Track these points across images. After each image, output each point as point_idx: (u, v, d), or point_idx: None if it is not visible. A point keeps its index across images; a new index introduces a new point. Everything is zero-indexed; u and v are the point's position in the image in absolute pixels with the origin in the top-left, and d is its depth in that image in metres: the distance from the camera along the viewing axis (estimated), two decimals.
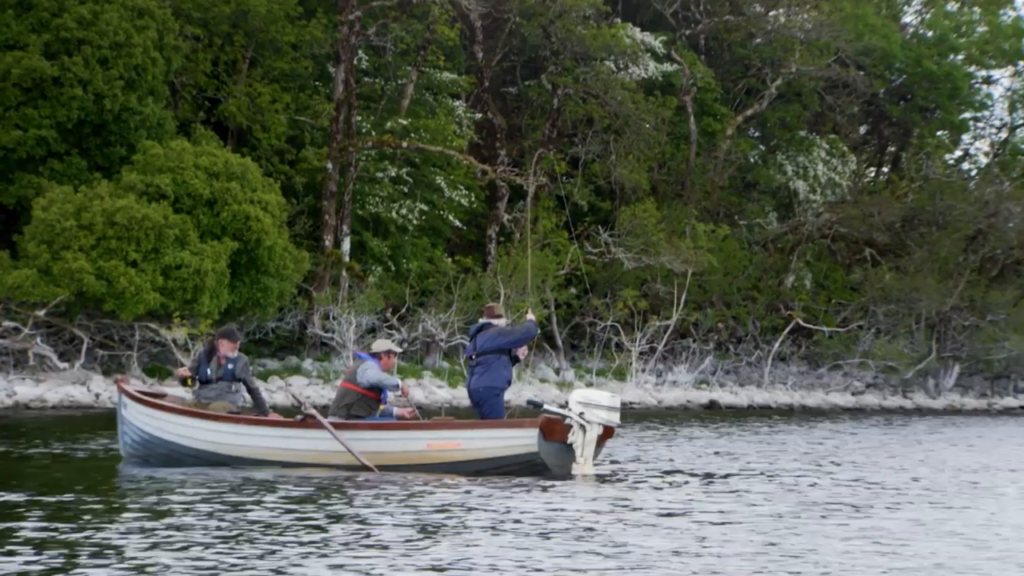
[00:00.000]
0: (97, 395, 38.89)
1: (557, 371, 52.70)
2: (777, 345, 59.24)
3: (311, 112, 50.05)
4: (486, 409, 19.84)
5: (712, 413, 49.76)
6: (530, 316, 20.85)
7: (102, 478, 18.16)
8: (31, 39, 40.55)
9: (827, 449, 28.21)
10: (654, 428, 34.52)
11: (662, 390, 53.12)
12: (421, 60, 53.51)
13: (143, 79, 42.04)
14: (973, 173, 78.66)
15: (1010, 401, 65.36)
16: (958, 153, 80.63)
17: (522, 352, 20.54)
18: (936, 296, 62.19)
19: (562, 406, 19.23)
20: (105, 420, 31.65)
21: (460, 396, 45.33)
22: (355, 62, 51.75)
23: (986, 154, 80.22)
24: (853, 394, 59.86)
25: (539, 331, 21.01)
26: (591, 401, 18.90)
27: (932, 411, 58.84)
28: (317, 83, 51.88)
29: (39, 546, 11.62)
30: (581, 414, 18.69)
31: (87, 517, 13.60)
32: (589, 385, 50.09)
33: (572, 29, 55.87)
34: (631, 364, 52.83)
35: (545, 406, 19.43)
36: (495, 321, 20.33)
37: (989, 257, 68.30)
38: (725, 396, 54.81)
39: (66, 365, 39.64)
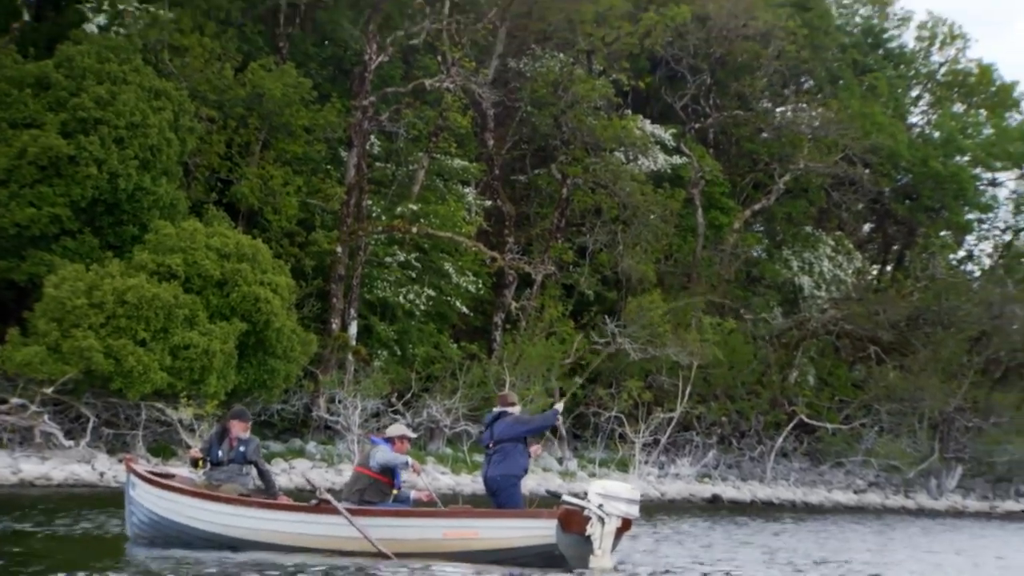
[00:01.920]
0: (102, 474, 38.65)
1: (560, 460, 52.54)
2: (780, 440, 59.17)
3: (322, 195, 50.17)
4: (503, 498, 19.70)
5: (715, 507, 49.59)
6: (557, 405, 20.78)
7: (109, 558, 18.02)
8: (48, 118, 40.71)
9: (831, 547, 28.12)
10: (662, 522, 34.37)
11: (665, 482, 52.96)
12: (433, 146, 53.71)
13: (157, 159, 42.13)
14: (977, 274, 78.82)
15: (1012, 505, 65.13)
16: (962, 253, 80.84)
17: (535, 449, 20.45)
18: (940, 396, 62.23)
19: (581, 497, 19.04)
20: (109, 499, 31.58)
21: (463, 483, 45.22)
22: (367, 147, 51.98)
23: (990, 255, 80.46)
24: (855, 492, 59.68)
25: (559, 420, 20.93)
26: (610, 493, 18.72)
27: (934, 512, 58.60)
28: (329, 167, 52.06)
29: None
30: (600, 506, 18.54)
31: None
32: (592, 476, 49.95)
33: (583, 119, 56.19)
34: (634, 456, 52.69)
35: (564, 497, 19.19)
36: (510, 409, 20.26)
37: (993, 359, 68.36)
38: (728, 490, 54.65)
39: (72, 443, 39.42)
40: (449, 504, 20.61)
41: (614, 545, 18.86)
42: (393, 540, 18.87)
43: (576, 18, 56.81)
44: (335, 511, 19.03)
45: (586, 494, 18.95)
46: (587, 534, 18.56)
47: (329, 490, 20.59)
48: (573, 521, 18.63)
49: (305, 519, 19.53)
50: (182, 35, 47.43)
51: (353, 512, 19.03)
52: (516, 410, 20.37)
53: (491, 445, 20.06)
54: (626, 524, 18.89)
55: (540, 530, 18.75)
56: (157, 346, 39.05)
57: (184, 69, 46.26)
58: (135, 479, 20.49)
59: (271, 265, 43.15)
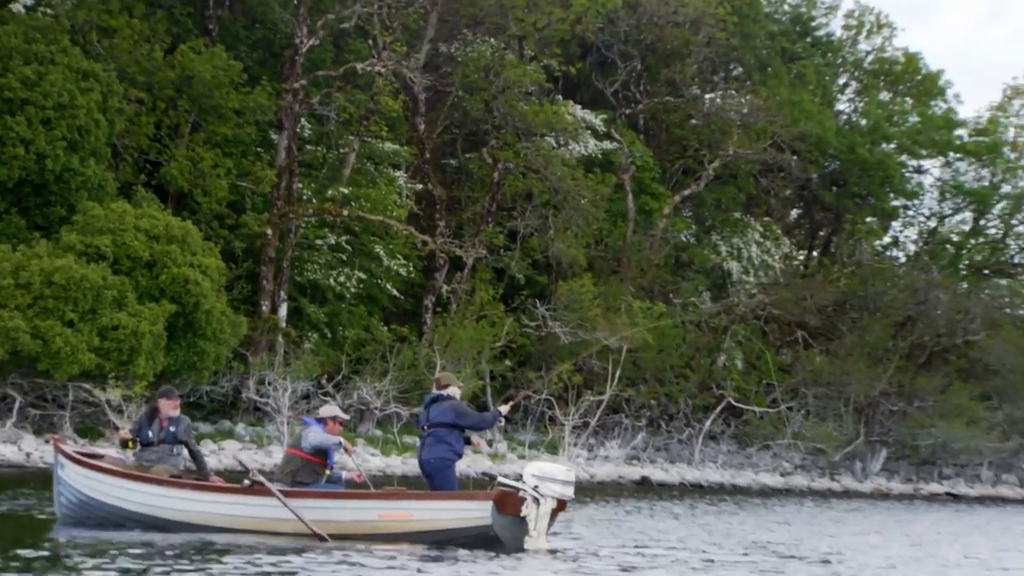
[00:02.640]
0: (28, 454, 38.31)
1: (490, 443, 52.44)
2: (708, 424, 59.35)
3: (252, 178, 49.84)
4: (438, 480, 19.55)
5: (645, 489, 49.67)
6: (502, 408, 20.56)
7: (36, 539, 17.73)
8: None
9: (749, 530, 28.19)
10: (595, 503, 34.39)
11: (594, 465, 52.99)
12: (364, 130, 53.47)
13: (86, 140, 41.80)
14: (902, 260, 79.33)
15: (935, 487, 65.56)
16: (887, 239, 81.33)
17: (476, 439, 20.35)
18: (865, 380, 62.60)
19: (516, 479, 18.97)
20: (36, 479, 31.23)
21: (393, 464, 45.10)
22: (298, 130, 51.70)
23: (915, 242, 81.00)
24: (782, 475, 59.92)
25: (501, 423, 20.67)
26: (546, 475, 18.63)
27: (859, 494, 58.93)
28: (259, 149, 51.74)
29: None
30: (535, 487, 18.44)
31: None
32: (522, 458, 49.91)
33: (514, 104, 56.07)
34: (564, 438, 52.66)
35: (499, 478, 19.14)
36: (447, 392, 20.10)
37: (918, 344, 68.80)
38: (657, 473, 54.74)
39: None
40: (383, 486, 20.44)
41: (549, 526, 18.77)
42: (327, 522, 18.69)
43: (507, 3, 56.69)
44: (268, 493, 18.81)
45: (521, 476, 18.85)
46: (522, 515, 18.48)
47: (260, 471, 20.30)
48: (508, 503, 18.56)
49: (238, 500, 19.30)
50: (110, 16, 47.12)
51: (287, 494, 18.82)
52: (453, 391, 20.18)
53: (426, 428, 19.92)
54: (561, 505, 18.80)
55: (475, 512, 18.68)
56: (85, 327, 38.72)
57: (112, 50, 45.88)
58: (63, 459, 20.15)
59: (201, 247, 42.91)
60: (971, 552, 24.58)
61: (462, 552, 17.72)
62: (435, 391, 20.30)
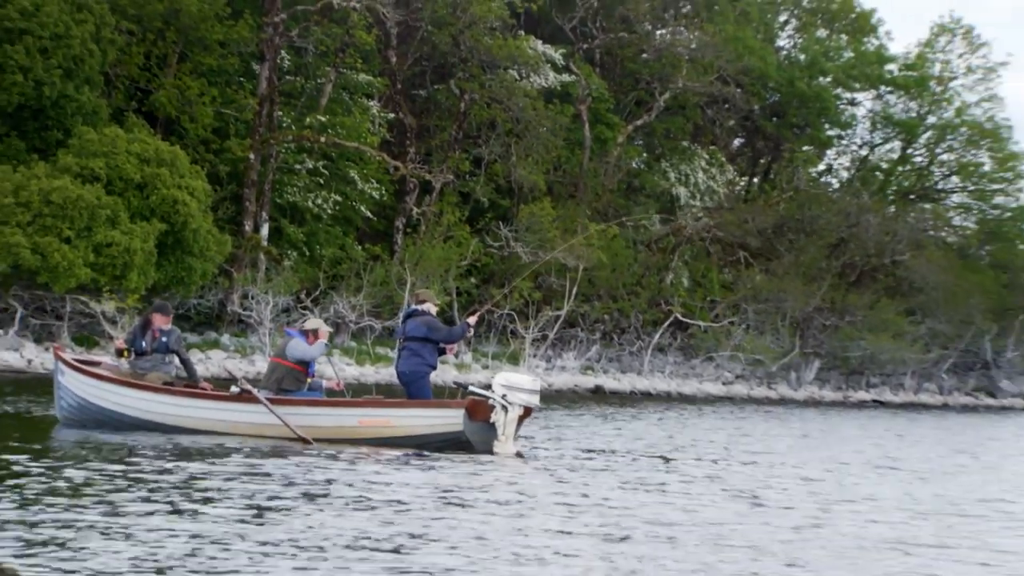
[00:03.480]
0: (30, 361, 38.25)
1: (456, 354, 52.50)
2: (657, 337, 59.58)
3: (236, 106, 49.50)
4: (414, 390, 19.67)
5: (598, 397, 49.93)
6: (470, 320, 20.60)
7: (39, 439, 17.72)
8: None
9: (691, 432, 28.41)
10: (558, 410, 34.53)
11: (552, 374, 53.18)
12: (339, 62, 53.11)
13: (80, 69, 41.34)
14: (836, 186, 79.67)
15: (863, 395, 66.20)
16: (822, 167, 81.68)
17: (451, 348, 20.43)
18: (801, 297, 63.01)
19: (486, 388, 19.05)
20: (36, 384, 31.20)
21: (367, 373, 45.20)
22: (278, 61, 51.26)
23: (847, 169, 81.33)
24: (724, 384, 60.34)
25: (469, 334, 20.74)
26: (513, 384, 18.77)
27: (794, 401, 59.41)
28: (242, 79, 51.31)
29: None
30: (504, 396, 18.57)
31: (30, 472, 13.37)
32: (485, 368, 50.08)
33: (479, 39, 55.64)
34: (524, 350, 52.81)
35: (470, 388, 19.31)
36: (423, 307, 20.14)
37: (849, 263, 69.31)
38: (609, 382, 55.02)
39: (0, 332, 38.94)
40: (362, 395, 20.51)
41: (516, 431, 18.91)
42: (311, 427, 18.78)
43: None
44: (256, 400, 18.85)
45: (490, 385, 18.93)
46: (492, 421, 18.61)
47: (246, 379, 20.30)
48: (479, 410, 18.72)
49: (227, 407, 19.37)
50: None
51: (273, 401, 18.87)
52: (428, 307, 20.21)
53: (402, 341, 19.97)
54: (527, 412, 18.93)
55: (449, 418, 18.85)
56: (81, 243, 38.49)
57: None
58: (63, 367, 20.10)
59: (188, 170, 42.64)
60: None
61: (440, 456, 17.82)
62: (412, 305, 20.35)
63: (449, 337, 20.22)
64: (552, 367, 54.35)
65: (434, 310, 20.39)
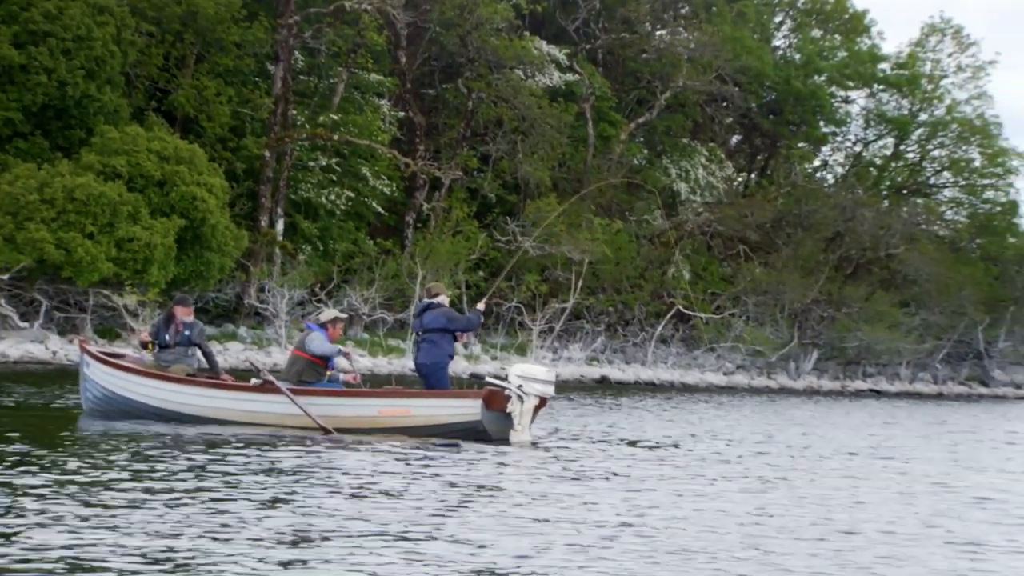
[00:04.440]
0: (54, 352, 38.30)
1: (465, 345, 52.45)
2: (660, 328, 59.51)
3: (252, 105, 49.46)
4: (433, 380, 19.59)
5: (604, 387, 49.92)
6: (480, 306, 20.61)
7: (66, 429, 17.65)
8: (1, 30, 39.76)
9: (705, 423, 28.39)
10: (565, 399, 34.50)
11: (559, 365, 53.08)
12: (351, 62, 53.15)
13: (102, 69, 41.47)
14: (831, 181, 79.65)
15: (860, 384, 66.17)
16: (818, 163, 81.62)
17: (464, 337, 20.37)
18: (799, 289, 62.99)
19: (503, 378, 19.02)
20: (61, 375, 31.20)
21: (380, 364, 45.16)
22: (292, 62, 51.24)
23: (842, 165, 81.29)
24: (725, 374, 60.28)
25: (482, 320, 20.63)
26: (528, 375, 18.72)
27: (794, 391, 59.36)
28: (257, 79, 51.28)
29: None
30: (520, 386, 18.51)
31: (61, 460, 13.38)
32: (495, 359, 50.07)
33: (486, 39, 55.66)
34: (532, 341, 52.81)
35: (487, 378, 19.27)
36: (438, 300, 20.06)
37: (845, 256, 69.25)
38: (614, 372, 54.98)
39: (26, 325, 38.99)
40: (384, 385, 20.44)
41: (532, 420, 18.87)
42: (332, 417, 18.66)
43: None
44: (278, 391, 18.78)
45: (507, 376, 18.90)
46: (508, 411, 18.53)
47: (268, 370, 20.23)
48: (495, 400, 18.63)
49: (250, 398, 19.23)
50: None
51: (294, 392, 18.79)
52: (443, 299, 20.14)
53: (420, 333, 19.90)
54: (542, 402, 18.90)
55: (466, 408, 18.74)
56: (103, 239, 38.54)
57: None
58: (89, 359, 19.99)
59: (206, 167, 42.76)
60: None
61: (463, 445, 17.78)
62: (426, 299, 20.26)
63: (468, 325, 20.19)
64: (559, 358, 54.31)
65: (447, 301, 20.34)
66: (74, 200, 38.18)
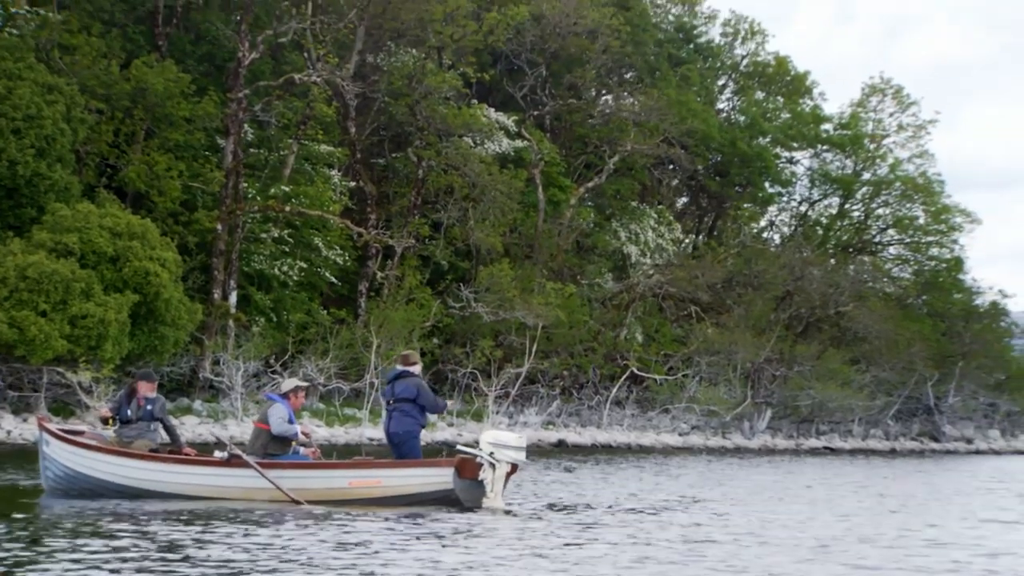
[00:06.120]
0: (8, 432, 37.90)
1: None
2: (614, 391, 59.48)
3: (203, 179, 49.36)
4: (404, 449, 19.57)
5: (561, 450, 49.82)
6: (449, 403, 20.86)
7: (24, 509, 17.44)
8: None
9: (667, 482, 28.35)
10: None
11: (515, 430, 52.91)
12: (301, 133, 53.27)
13: (52, 148, 41.31)
14: (777, 241, 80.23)
15: (814, 442, 66.34)
16: (764, 223, 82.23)
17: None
18: (751, 348, 63.18)
19: (474, 446, 18.97)
20: (16, 455, 30.85)
21: (337, 434, 44.98)
22: (242, 135, 51.23)
23: (789, 224, 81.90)
24: (680, 435, 60.23)
25: (446, 408, 20.70)
26: (500, 442, 18.72)
27: (748, 450, 59.42)
28: (208, 153, 51.16)
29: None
30: (491, 453, 18.50)
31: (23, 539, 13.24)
32: (450, 426, 49.93)
33: (435, 108, 55.96)
34: (488, 406, 52.71)
35: (458, 447, 19.24)
36: (412, 368, 20.03)
37: (796, 315, 69.67)
38: (571, 435, 54.88)
39: None
40: (353, 456, 20.35)
41: (504, 487, 18.83)
42: (302, 490, 18.57)
43: (427, 17, 56.37)
44: (247, 464, 18.65)
45: (478, 443, 18.84)
46: (480, 479, 18.53)
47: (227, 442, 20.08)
48: (467, 468, 18.65)
49: (217, 472, 19.10)
50: (71, 35, 46.52)
51: (262, 465, 18.66)
52: (416, 369, 20.12)
53: (391, 401, 19.84)
54: (514, 468, 18.88)
55: (438, 477, 18.74)
56: (57, 316, 38.24)
57: (74, 66, 45.24)
58: (48, 437, 19.80)
59: (159, 242, 42.56)
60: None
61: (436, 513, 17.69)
62: (399, 367, 20.22)
63: (434, 407, 20.11)
64: (515, 423, 54.14)
65: (419, 370, 20.30)
66: (26, 279, 37.92)
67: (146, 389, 19.74)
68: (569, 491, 24.20)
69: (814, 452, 62.20)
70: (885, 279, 78.28)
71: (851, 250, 79.76)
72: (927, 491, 29.58)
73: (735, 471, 36.75)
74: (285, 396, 19.67)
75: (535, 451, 47.55)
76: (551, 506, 20.08)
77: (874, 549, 15.02)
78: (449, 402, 21.43)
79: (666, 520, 17.98)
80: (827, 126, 79.00)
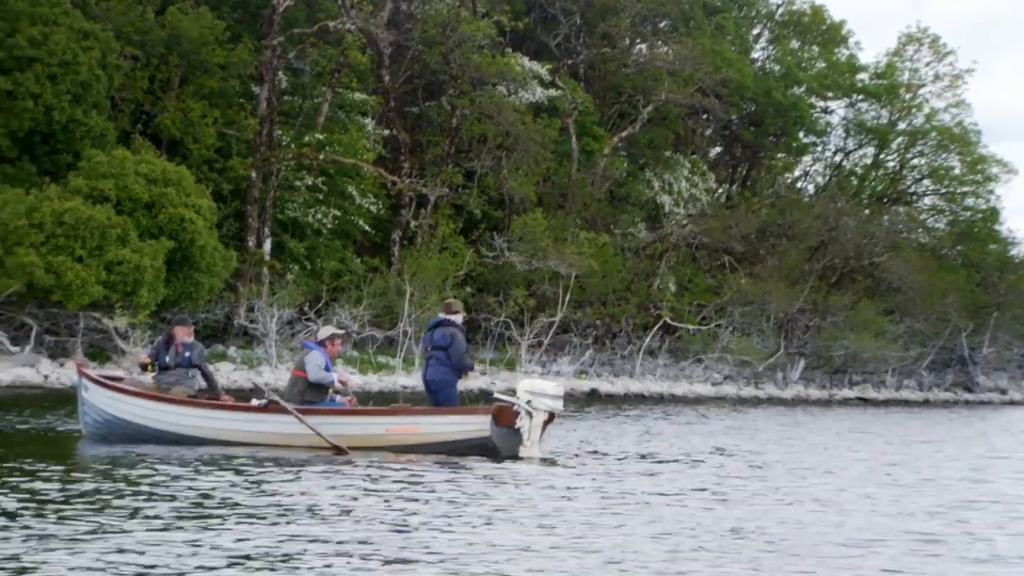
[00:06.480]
0: (46, 376, 38.16)
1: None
2: (647, 340, 59.40)
3: (237, 126, 49.43)
4: (441, 397, 19.47)
5: (594, 400, 49.86)
6: (477, 368, 20.61)
7: (64, 455, 17.51)
8: None
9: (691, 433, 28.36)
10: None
11: (548, 379, 52.96)
12: (335, 81, 53.19)
13: (88, 94, 41.45)
14: (811, 191, 79.85)
15: (847, 392, 66.20)
16: (799, 173, 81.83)
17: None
18: (784, 299, 62.97)
19: (511, 394, 18.90)
20: (54, 399, 31.07)
21: (370, 382, 45.10)
22: (276, 82, 51.21)
23: (823, 175, 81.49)
24: (712, 384, 60.18)
25: (471, 370, 20.52)
26: (537, 390, 18.62)
27: (781, 400, 59.35)
28: (242, 100, 51.23)
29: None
30: (528, 402, 18.42)
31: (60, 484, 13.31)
32: (483, 375, 49.95)
33: (469, 57, 55.71)
34: (520, 356, 52.74)
35: (496, 394, 19.18)
36: (453, 317, 19.93)
37: (829, 265, 69.37)
38: (604, 385, 54.89)
39: (17, 349, 38.86)
40: (389, 403, 20.34)
41: (541, 435, 18.75)
42: (340, 436, 18.49)
43: None
44: (285, 411, 18.63)
45: (515, 391, 18.77)
46: (517, 427, 18.44)
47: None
48: (505, 416, 18.54)
49: (256, 418, 19.07)
50: None
51: (300, 411, 18.66)
52: (458, 319, 19.98)
53: (429, 349, 19.75)
54: (551, 417, 18.77)
55: (476, 425, 18.63)
56: (93, 262, 38.43)
57: (109, 12, 45.30)
58: (88, 382, 19.79)
59: (193, 189, 42.72)
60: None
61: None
62: (441, 315, 20.10)
63: (459, 363, 19.83)
64: (547, 372, 54.18)
65: (461, 320, 20.16)
66: (63, 224, 38.09)
67: (183, 334, 19.75)
68: (601, 435, 24.24)
69: (846, 402, 62.10)
70: (920, 230, 77.83)
71: (886, 200, 79.33)
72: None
73: (811, 423, 36.75)
74: (321, 344, 19.65)
75: (568, 400, 47.59)
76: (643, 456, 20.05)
77: None
78: (479, 356, 21.23)
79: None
80: (863, 75, 78.32)
